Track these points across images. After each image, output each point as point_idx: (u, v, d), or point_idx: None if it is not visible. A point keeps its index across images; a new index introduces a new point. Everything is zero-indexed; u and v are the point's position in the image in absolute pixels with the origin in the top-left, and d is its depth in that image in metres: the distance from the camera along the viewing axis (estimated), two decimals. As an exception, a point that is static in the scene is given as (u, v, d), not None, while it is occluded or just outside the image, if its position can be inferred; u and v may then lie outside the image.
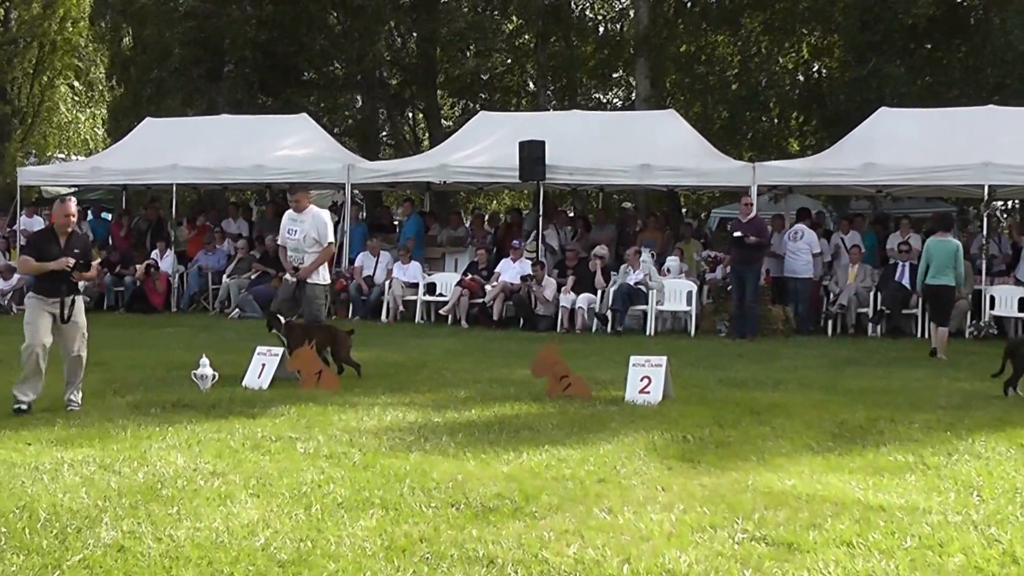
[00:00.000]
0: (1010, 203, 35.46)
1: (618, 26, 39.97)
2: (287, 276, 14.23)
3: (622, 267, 21.03)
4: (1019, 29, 26.71)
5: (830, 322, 20.92)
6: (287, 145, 25.58)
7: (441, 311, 21.84)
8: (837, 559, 6.09)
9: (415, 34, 37.41)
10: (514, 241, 22.69)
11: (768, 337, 19.42)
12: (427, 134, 41.86)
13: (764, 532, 6.58)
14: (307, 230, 13.95)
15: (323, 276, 14.14)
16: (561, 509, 7.08)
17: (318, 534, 6.49)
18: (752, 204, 20.23)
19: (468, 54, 37.49)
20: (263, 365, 12.71)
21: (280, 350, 12.98)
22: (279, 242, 14.56)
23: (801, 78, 36.57)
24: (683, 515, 6.95)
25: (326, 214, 14.47)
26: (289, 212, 14.41)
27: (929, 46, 31.02)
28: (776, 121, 36.20)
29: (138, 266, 24.23)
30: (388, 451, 8.88)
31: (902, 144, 21.30)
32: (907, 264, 20.66)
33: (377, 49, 34.94)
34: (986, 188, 20.61)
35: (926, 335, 19.95)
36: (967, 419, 10.91)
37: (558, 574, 5.84)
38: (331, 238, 14.16)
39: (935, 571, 5.95)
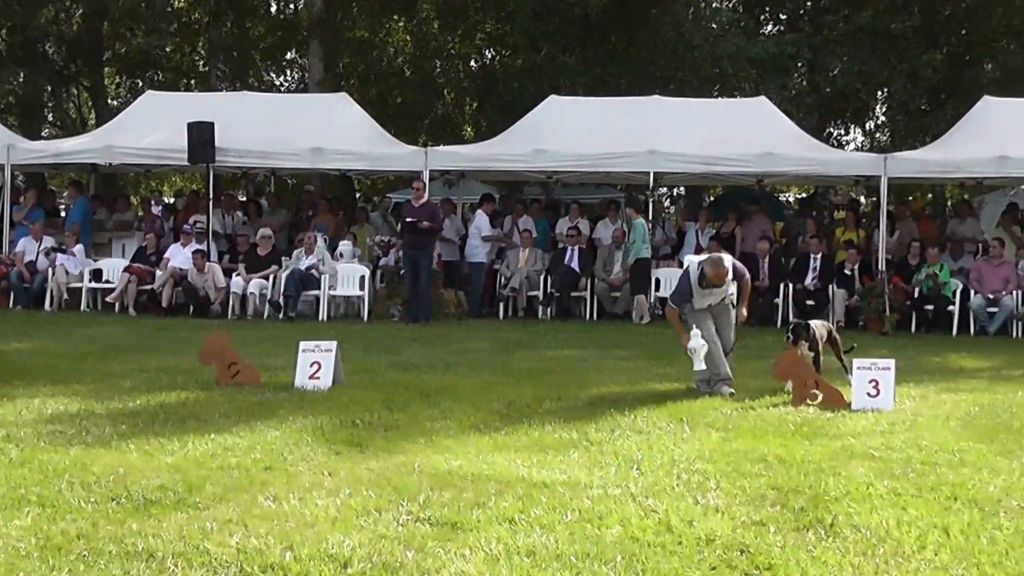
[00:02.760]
0: (675, 190, 37.14)
1: (292, 7, 39.61)
2: None
3: (295, 252, 20.87)
4: (690, 24, 27.94)
5: (502, 305, 21.33)
6: (-59, 123, 24.15)
7: (108, 299, 21.06)
8: (499, 536, 6.19)
9: (81, 9, 35.97)
10: (184, 225, 22.18)
11: (441, 321, 19.67)
12: (93, 113, 40.45)
13: (429, 513, 6.63)
14: None
15: None
16: (225, 499, 6.95)
17: (-33, 536, 6.17)
18: (424, 189, 20.38)
19: (137, 31, 36.31)
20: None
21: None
22: None
23: (475, 65, 37.20)
24: (349, 499, 6.93)
25: None
26: None
27: (600, 36, 31.98)
28: (451, 107, 36.77)
29: None
30: (47, 445, 8.49)
31: (571, 131, 21.92)
32: (576, 248, 21.32)
33: (40, 21, 33.37)
34: (651, 175, 21.52)
35: (594, 316, 20.74)
36: (631, 396, 11.34)
37: (219, 565, 5.72)
38: None
39: (593, 543, 6.11)
